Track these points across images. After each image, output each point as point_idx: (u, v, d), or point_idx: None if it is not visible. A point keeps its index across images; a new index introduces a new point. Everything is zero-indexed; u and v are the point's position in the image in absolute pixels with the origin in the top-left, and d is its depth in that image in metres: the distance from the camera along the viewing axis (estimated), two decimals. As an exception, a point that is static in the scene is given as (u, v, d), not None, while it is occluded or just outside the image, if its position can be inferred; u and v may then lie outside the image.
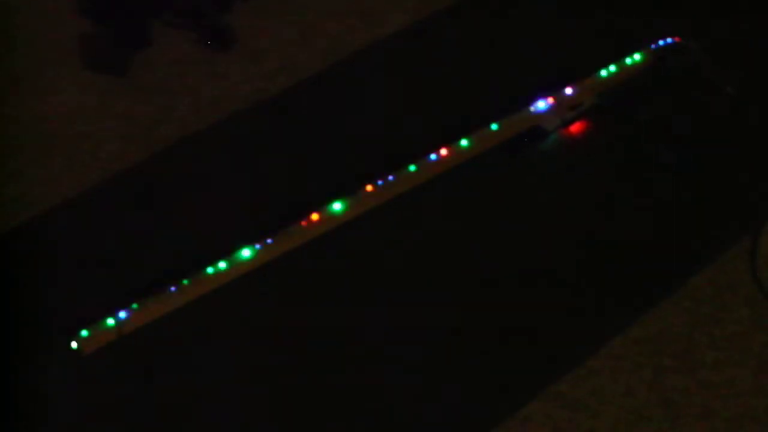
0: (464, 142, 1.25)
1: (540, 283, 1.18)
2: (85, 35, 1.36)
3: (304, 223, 1.17)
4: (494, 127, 1.27)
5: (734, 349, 1.16)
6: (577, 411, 1.10)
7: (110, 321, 1.09)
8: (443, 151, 1.24)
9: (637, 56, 1.34)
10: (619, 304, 1.18)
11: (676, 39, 1.37)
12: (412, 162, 1.22)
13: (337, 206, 1.18)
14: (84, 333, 1.08)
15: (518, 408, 1.10)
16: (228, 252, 1.14)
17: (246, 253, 1.14)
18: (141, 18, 1.36)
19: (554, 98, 1.30)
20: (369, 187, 1.20)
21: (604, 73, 1.33)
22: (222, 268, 1.13)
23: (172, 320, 1.11)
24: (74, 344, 1.08)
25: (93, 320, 1.09)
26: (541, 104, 1.29)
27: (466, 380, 1.11)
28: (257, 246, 1.15)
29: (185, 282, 1.12)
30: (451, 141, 1.24)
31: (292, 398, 1.08)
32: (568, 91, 1.31)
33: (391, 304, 1.15)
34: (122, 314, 1.09)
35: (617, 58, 1.34)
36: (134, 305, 1.10)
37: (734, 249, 1.23)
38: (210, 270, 1.13)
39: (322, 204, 1.18)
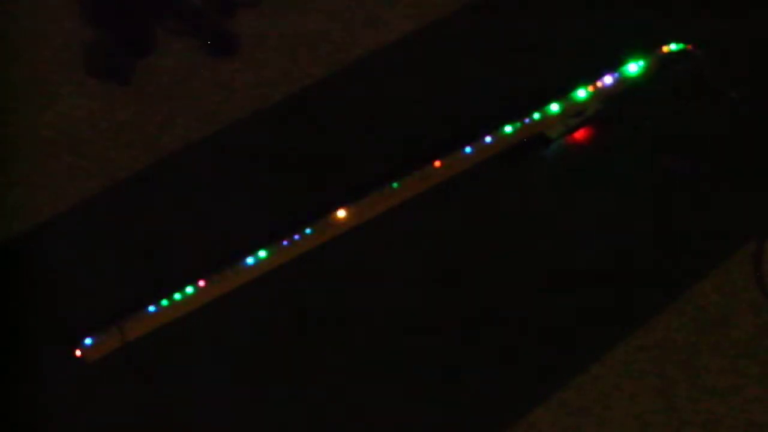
0: (468, 149, 1.25)
1: (543, 290, 1.18)
2: (88, 42, 1.36)
3: (307, 230, 1.17)
4: (499, 133, 1.26)
5: (739, 355, 1.15)
6: (582, 418, 1.10)
7: (114, 329, 1.09)
8: (446, 159, 1.23)
9: (642, 62, 1.34)
10: (623, 310, 1.17)
11: (682, 45, 1.36)
12: (414, 170, 1.22)
13: (340, 213, 1.18)
14: (88, 341, 1.08)
15: (523, 415, 1.10)
16: (232, 259, 1.14)
17: (250, 260, 1.14)
18: (144, 25, 1.36)
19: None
20: (372, 195, 1.20)
21: (608, 79, 1.32)
22: (226, 276, 1.13)
23: (176, 328, 1.11)
24: (78, 352, 1.08)
25: (96, 328, 1.09)
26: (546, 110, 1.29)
27: (470, 387, 1.11)
28: (261, 254, 1.15)
29: (189, 289, 1.12)
30: (454, 148, 1.24)
31: (297, 408, 1.08)
32: (572, 96, 1.31)
33: (394, 311, 1.15)
34: (126, 322, 1.09)
35: (622, 65, 1.34)
36: (138, 313, 1.10)
37: (739, 254, 1.23)
38: (213, 277, 1.13)
39: (324, 212, 1.18)
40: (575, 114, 1.30)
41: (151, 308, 1.10)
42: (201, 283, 1.12)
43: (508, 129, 1.27)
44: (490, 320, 1.15)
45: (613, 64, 1.34)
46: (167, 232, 1.20)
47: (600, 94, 1.32)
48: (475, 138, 1.25)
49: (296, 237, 1.16)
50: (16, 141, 1.27)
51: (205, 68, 1.36)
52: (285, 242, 1.16)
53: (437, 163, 1.23)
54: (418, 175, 1.22)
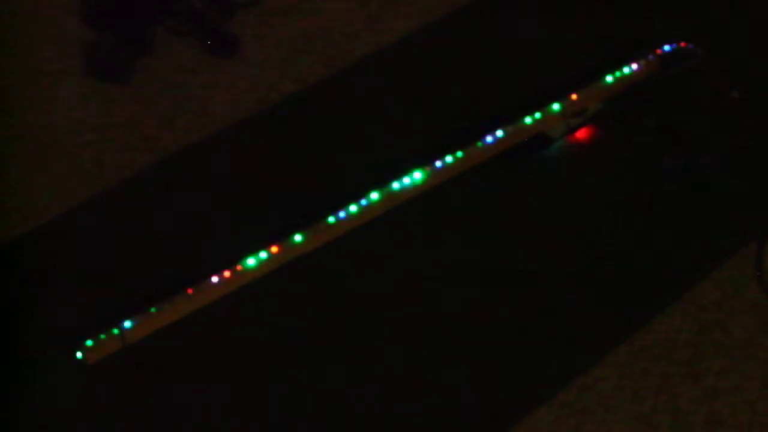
0: (468, 150, 1.24)
1: (545, 291, 1.18)
2: (87, 43, 1.36)
3: (306, 231, 1.17)
4: (500, 133, 1.26)
5: (741, 355, 1.15)
6: (584, 419, 1.10)
7: (114, 330, 1.08)
8: (446, 159, 1.23)
9: (642, 61, 1.34)
10: (624, 311, 1.17)
11: (682, 44, 1.36)
12: (417, 170, 1.22)
13: (337, 215, 1.18)
14: (88, 343, 1.08)
15: (524, 416, 1.10)
16: (232, 261, 1.14)
17: (250, 261, 1.14)
18: (144, 25, 1.36)
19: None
20: (373, 196, 1.20)
21: (609, 78, 1.32)
22: (226, 277, 1.13)
23: (176, 329, 1.11)
24: (78, 354, 1.07)
25: (97, 330, 1.09)
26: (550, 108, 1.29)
27: (471, 389, 1.10)
28: (261, 255, 1.15)
29: (189, 291, 1.12)
30: (455, 148, 1.24)
31: (299, 410, 1.08)
32: (574, 97, 1.30)
33: (394, 309, 1.15)
34: (127, 324, 1.09)
35: (623, 64, 1.33)
36: (138, 314, 1.10)
37: (740, 255, 1.23)
38: (214, 279, 1.13)
39: (324, 213, 1.18)
40: (576, 114, 1.30)
41: (152, 309, 1.10)
42: (201, 284, 1.12)
43: (508, 129, 1.26)
44: (490, 320, 1.15)
45: (613, 64, 1.34)
46: (167, 233, 1.20)
47: (601, 94, 1.32)
48: (476, 138, 1.25)
49: (296, 238, 1.16)
50: (16, 142, 1.27)
51: (205, 68, 1.36)
52: (285, 243, 1.16)
53: (439, 164, 1.23)
54: (420, 176, 1.22)
